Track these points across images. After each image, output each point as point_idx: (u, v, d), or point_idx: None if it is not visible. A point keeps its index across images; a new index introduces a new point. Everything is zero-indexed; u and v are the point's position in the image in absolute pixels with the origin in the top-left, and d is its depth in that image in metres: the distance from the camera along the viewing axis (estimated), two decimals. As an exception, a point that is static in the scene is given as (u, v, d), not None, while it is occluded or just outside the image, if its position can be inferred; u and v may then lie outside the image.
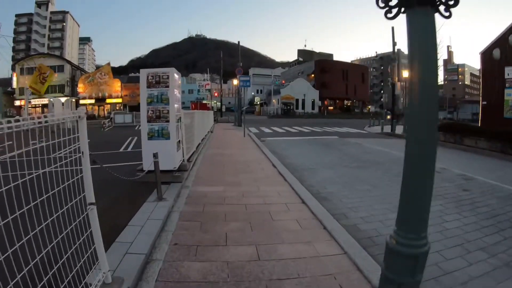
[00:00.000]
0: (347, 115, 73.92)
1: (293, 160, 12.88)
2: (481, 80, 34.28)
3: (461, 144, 18.77)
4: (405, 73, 29.85)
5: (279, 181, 8.81)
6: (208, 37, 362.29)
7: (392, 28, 29.18)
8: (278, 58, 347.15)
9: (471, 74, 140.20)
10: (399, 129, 26.91)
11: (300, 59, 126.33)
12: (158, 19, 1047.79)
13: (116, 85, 68.57)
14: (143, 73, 8.15)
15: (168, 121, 8.16)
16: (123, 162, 11.55)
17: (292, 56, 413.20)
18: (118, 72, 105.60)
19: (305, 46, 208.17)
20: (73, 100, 44.97)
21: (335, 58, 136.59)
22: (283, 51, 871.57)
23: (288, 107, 77.04)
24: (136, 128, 32.72)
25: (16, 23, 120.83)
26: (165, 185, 7.50)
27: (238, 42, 33.73)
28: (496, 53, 30.42)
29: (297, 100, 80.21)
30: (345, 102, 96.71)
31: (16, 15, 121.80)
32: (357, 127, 35.08)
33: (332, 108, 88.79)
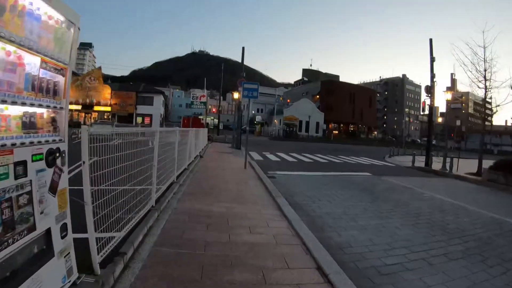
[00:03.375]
0: (354, 141, 69.18)
1: (340, 232, 6.94)
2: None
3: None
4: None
5: None
6: (211, 53, 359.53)
7: (430, 40, 23.74)
8: (279, 79, 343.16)
9: (475, 103, 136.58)
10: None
11: (305, 78, 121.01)
12: (163, 33, 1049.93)
13: (106, 92, 63.79)
14: None
15: None
16: None
17: (293, 78, 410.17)
18: (120, 81, 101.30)
19: (310, 65, 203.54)
20: None
21: (341, 80, 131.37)
22: (285, 73, 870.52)
23: (291, 128, 71.59)
24: (111, 143, 27.10)
25: None
26: None
27: (243, 48, 28.35)
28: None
29: (300, 122, 74.63)
30: (350, 126, 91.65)
31: None
32: (377, 157, 30.16)
33: (336, 132, 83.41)
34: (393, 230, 7.35)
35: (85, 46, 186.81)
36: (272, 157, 23.24)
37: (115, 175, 4.75)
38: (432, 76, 23.68)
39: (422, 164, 23.34)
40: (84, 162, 3.53)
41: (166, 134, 8.68)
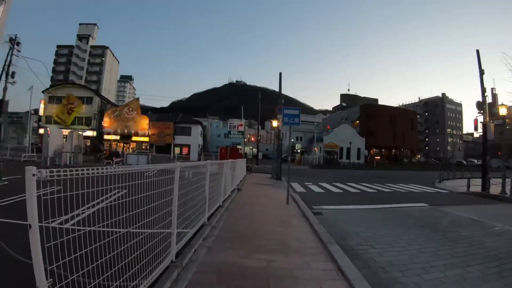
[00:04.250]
0: (398, 166, 66.72)
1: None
2: None
3: None
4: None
5: None
6: (248, 83, 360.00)
7: (477, 51, 22.04)
8: (317, 106, 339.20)
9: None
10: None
11: (343, 104, 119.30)
12: (200, 64, 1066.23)
13: (144, 123, 65.15)
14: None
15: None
16: None
17: (331, 104, 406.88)
18: (159, 112, 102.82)
19: (348, 90, 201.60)
20: (80, 133, 39.65)
21: (380, 103, 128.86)
22: (322, 99, 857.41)
23: (332, 156, 69.77)
24: (146, 174, 26.02)
25: (57, 54, 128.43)
26: None
27: (280, 73, 27.17)
28: None
29: (341, 149, 72.71)
30: (392, 151, 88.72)
31: (58, 46, 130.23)
32: (425, 183, 28.03)
33: (379, 157, 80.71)
34: (479, 283, 5.73)
35: (125, 79, 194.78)
36: (315, 188, 21.60)
37: (123, 223, 3.62)
38: (483, 90, 21.81)
39: (478, 189, 21.35)
40: (30, 226, 2.19)
41: (192, 170, 7.33)
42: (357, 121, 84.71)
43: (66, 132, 37.39)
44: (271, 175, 28.92)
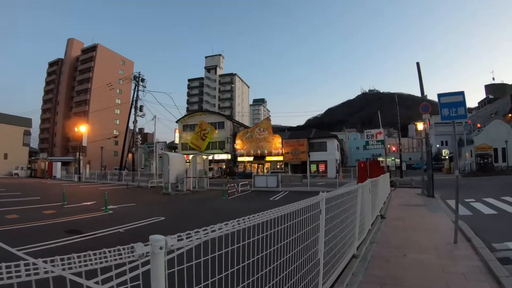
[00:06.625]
0: None
1: None
2: None
3: None
4: None
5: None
6: (381, 91, 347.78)
7: None
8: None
9: None
10: None
11: (490, 96, 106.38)
12: (332, 78, 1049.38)
13: (276, 142, 65.12)
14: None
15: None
16: None
17: (474, 99, 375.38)
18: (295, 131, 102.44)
19: (492, 79, 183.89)
20: (204, 157, 38.04)
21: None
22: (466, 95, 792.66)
23: (486, 160, 60.76)
24: (272, 198, 23.75)
25: (189, 87, 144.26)
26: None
27: (417, 63, 22.91)
28: None
29: (495, 150, 63.05)
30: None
31: (189, 80, 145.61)
32: None
33: (541, 154, 68.92)
34: None
35: (259, 102, 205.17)
36: (481, 207, 16.35)
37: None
38: None
39: None
40: None
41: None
42: (509, 114, 73.88)
43: (189, 157, 36.92)
44: (421, 190, 24.32)
